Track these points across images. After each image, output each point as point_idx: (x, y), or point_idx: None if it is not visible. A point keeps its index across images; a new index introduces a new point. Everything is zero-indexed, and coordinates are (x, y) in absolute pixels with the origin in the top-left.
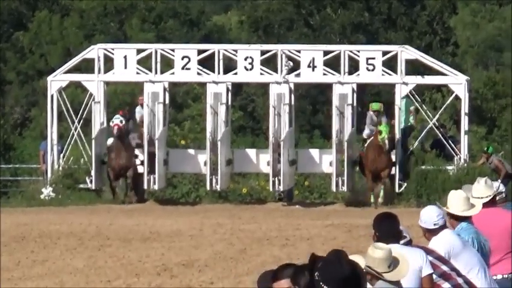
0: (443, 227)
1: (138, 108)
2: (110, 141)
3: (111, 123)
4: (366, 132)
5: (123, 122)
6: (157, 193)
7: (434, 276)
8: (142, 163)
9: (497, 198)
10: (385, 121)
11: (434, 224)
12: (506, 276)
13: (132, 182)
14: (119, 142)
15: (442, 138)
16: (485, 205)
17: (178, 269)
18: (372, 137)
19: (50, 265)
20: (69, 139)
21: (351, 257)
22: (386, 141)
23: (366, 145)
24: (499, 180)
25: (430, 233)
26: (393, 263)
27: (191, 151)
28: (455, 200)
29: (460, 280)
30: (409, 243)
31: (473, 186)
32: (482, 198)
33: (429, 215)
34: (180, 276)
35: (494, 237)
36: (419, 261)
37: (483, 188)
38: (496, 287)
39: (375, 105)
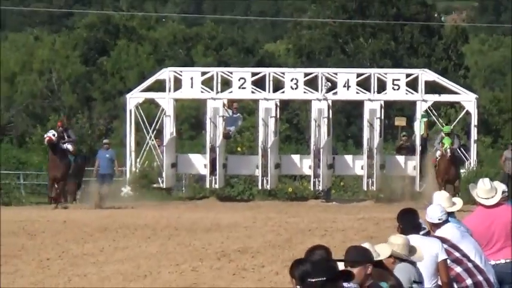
0: (446, 221)
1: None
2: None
3: (45, 136)
4: (438, 153)
5: (55, 135)
6: (218, 191)
7: (448, 261)
8: (205, 166)
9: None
10: (450, 137)
11: (439, 219)
12: (509, 260)
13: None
14: (52, 152)
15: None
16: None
17: (235, 255)
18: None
19: (128, 251)
20: (144, 146)
21: (379, 246)
22: (448, 151)
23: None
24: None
25: (435, 226)
26: (412, 249)
27: (246, 156)
28: (440, 199)
29: (470, 264)
30: (427, 233)
31: (478, 186)
32: (488, 199)
33: (435, 212)
34: (237, 261)
35: (497, 229)
36: (436, 248)
37: (488, 190)
38: (489, 268)
39: (446, 128)
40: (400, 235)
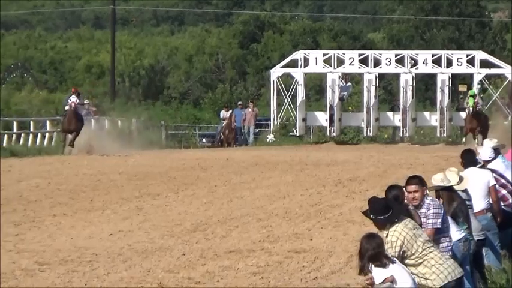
0: (495, 158)
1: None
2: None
3: (68, 101)
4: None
5: (77, 100)
6: (335, 138)
7: (496, 186)
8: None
9: None
10: (474, 97)
11: (489, 157)
12: None
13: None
14: (72, 112)
15: (502, 105)
16: None
17: (347, 182)
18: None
19: (272, 180)
20: (283, 106)
21: (449, 173)
22: (471, 108)
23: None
24: None
25: (487, 162)
26: (461, 178)
27: (355, 113)
28: (488, 142)
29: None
30: (482, 166)
31: None
32: None
33: (486, 151)
34: (349, 186)
35: None
36: (488, 177)
37: None
38: None
39: (471, 92)
40: (453, 168)
